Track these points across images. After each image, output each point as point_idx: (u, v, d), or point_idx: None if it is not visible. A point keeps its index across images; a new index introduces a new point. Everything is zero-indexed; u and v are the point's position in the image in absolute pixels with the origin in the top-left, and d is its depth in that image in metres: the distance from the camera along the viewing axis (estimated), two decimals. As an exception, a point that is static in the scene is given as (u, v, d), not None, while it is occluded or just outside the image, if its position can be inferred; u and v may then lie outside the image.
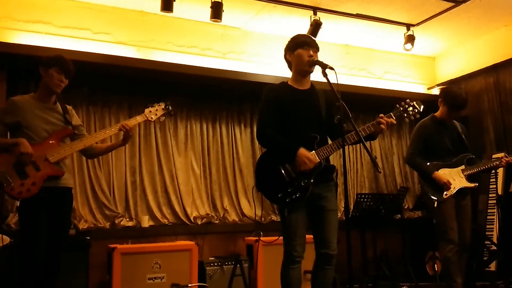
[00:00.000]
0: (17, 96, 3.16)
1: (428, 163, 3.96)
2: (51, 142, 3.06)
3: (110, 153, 4.92)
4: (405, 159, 4.21)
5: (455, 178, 3.91)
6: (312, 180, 2.89)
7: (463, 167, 3.95)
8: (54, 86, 3.10)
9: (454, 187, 3.86)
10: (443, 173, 3.91)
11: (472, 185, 3.93)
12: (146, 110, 3.32)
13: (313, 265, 3.00)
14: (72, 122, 3.23)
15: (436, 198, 3.90)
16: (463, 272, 3.88)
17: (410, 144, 4.15)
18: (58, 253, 3.05)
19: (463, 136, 4.07)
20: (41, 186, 2.95)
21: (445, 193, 3.86)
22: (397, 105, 3.06)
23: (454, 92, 4.02)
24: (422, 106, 3.10)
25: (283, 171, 2.91)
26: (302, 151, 2.88)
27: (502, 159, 4.00)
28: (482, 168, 4.02)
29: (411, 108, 3.06)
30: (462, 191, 3.90)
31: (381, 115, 2.95)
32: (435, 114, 4.09)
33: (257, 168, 3.05)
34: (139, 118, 3.30)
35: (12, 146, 2.93)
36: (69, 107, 3.31)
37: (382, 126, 2.90)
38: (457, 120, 4.17)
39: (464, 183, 3.90)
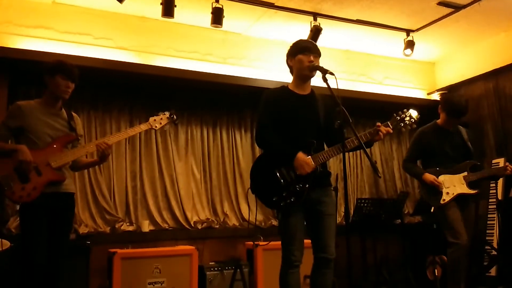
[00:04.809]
0: (22, 101, 3.16)
1: (420, 167, 4.03)
2: (54, 147, 3.06)
3: (110, 158, 4.93)
4: (402, 165, 4.29)
5: (455, 184, 3.89)
6: (307, 185, 2.89)
7: (465, 173, 3.92)
8: (61, 93, 3.10)
9: (453, 193, 3.86)
10: (443, 179, 3.91)
11: (473, 192, 3.90)
12: (151, 119, 3.31)
13: (311, 269, 3.00)
14: (76, 129, 3.24)
15: (433, 204, 3.90)
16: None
17: (407, 151, 4.23)
18: (58, 258, 3.04)
19: (469, 142, 4.05)
20: (42, 191, 2.95)
21: (442, 198, 3.86)
22: (394, 114, 3.09)
23: (453, 99, 4.03)
24: (418, 117, 3.12)
25: (278, 175, 2.91)
26: (300, 155, 2.88)
27: (507, 167, 3.98)
28: (485, 175, 4.00)
29: (407, 118, 3.08)
30: (463, 197, 3.88)
31: (378, 123, 2.97)
32: (437, 121, 4.09)
33: (252, 171, 3.05)
34: (143, 127, 3.30)
35: (12, 152, 2.93)
36: (75, 114, 3.31)
37: (381, 135, 2.94)
38: (462, 126, 4.17)
39: (464, 189, 3.88)
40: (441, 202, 3.85)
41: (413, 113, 3.10)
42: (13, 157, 2.91)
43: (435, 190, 3.89)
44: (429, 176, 3.91)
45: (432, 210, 3.96)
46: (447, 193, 3.86)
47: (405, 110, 3.11)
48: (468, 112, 4.05)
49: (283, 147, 2.95)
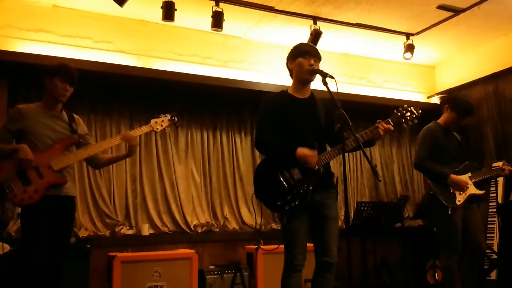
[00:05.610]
0: (22, 104, 3.17)
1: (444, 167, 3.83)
2: (55, 150, 3.06)
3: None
4: (415, 163, 3.96)
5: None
6: (311, 187, 2.88)
7: (469, 174, 3.86)
8: (58, 95, 3.10)
9: (466, 193, 3.78)
10: None
11: (481, 192, 3.85)
12: (152, 121, 3.31)
13: (313, 273, 2.99)
14: (78, 131, 3.23)
15: (449, 205, 3.73)
16: (474, 279, 3.82)
17: (419, 148, 3.93)
18: (58, 261, 3.03)
19: (463, 144, 4.02)
20: (43, 194, 2.95)
21: (458, 199, 3.75)
22: (395, 111, 3.06)
23: (462, 98, 3.94)
24: (420, 111, 3.10)
25: (281, 178, 2.90)
26: (300, 149, 2.86)
27: (504, 167, 3.93)
28: (487, 175, 3.94)
29: (408, 114, 3.05)
30: (468, 199, 3.82)
31: (379, 120, 2.96)
32: (438, 121, 3.98)
33: (255, 175, 3.04)
34: (144, 129, 3.30)
35: (13, 152, 2.93)
36: (76, 116, 3.30)
37: (380, 131, 2.91)
38: (463, 128, 4.10)
39: (473, 189, 3.81)
40: (457, 203, 3.74)
41: (415, 108, 3.07)
42: (13, 157, 2.92)
43: (450, 191, 3.77)
44: (459, 178, 3.76)
45: (449, 212, 3.74)
46: (460, 193, 3.77)
47: (405, 105, 3.08)
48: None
49: (282, 146, 2.93)
